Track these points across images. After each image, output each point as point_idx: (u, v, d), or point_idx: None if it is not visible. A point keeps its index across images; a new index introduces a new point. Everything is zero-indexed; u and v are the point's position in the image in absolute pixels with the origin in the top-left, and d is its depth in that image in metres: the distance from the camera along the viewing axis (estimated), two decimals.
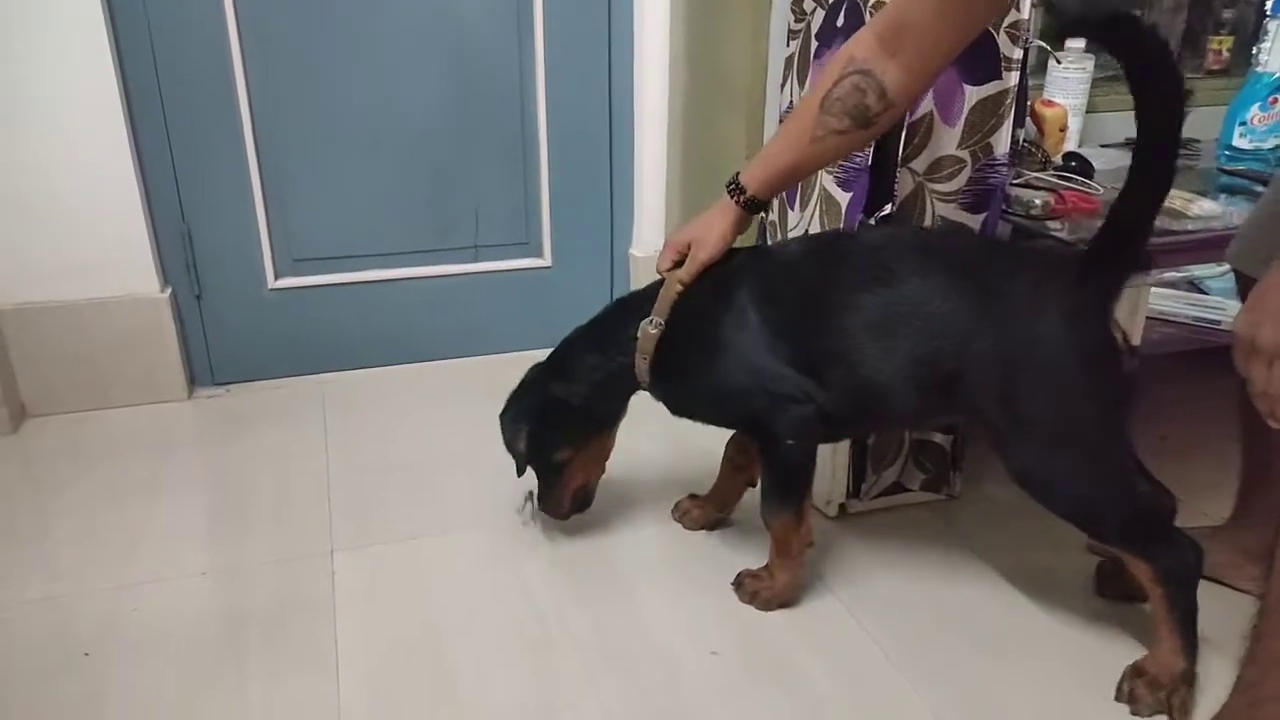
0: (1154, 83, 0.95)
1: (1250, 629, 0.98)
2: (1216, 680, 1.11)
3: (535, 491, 1.46)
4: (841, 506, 1.51)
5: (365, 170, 1.90)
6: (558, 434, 1.37)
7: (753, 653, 1.25)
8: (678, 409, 1.34)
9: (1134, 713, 1.13)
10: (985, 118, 1.34)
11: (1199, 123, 1.91)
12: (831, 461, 1.48)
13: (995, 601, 1.34)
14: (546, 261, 2.08)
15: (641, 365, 1.29)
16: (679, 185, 2.03)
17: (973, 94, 1.33)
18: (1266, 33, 1.71)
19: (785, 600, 1.32)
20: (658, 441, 1.76)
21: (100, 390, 1.82)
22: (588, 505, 1.47)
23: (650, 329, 1.27)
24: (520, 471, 1.41)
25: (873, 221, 1.36)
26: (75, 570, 1.38)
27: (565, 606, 1.33)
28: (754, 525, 1.48)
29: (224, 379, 1.94)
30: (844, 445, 1.46)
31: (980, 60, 1.31)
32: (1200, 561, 1.13)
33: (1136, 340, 1.36)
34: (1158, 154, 0.99)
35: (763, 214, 1.33)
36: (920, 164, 1.36)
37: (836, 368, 1.17)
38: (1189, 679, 1.13)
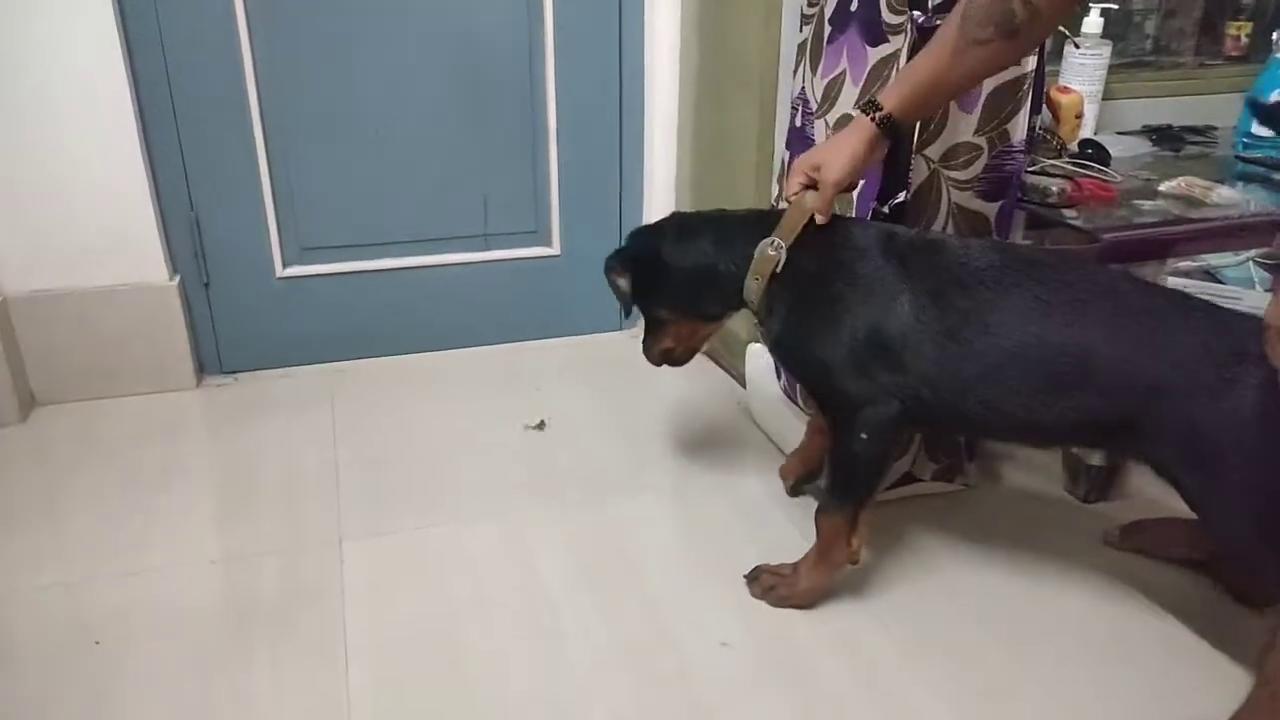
0: None
1: (1269, 625, 0.97)
2: (1241, 680, 1.10)
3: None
4: None
5: (373, 158, 1.89)
6: (655, 292, 1.34)
7: (764, 645, 1.24)
8: (773, 348, 1.30)
9: None
10: (1002, 104, 1.32)
11: (1217, 109, 1.89)
12: None
13: (1012, 593, 1.33)
14: (555, 250, 2.07)
15: (753, 285, 1.23)
16: (689, 173, 2.01)
17: (989, 81, 1.31)
18: None
19: (802, 604, 1.28)
20: (676, 424, 1.76)
21: (109, 379, 1.82)
22: (679, 364, 1.43)
23: (770, 250, 1.20)
24: (626, 313, 1.38)
25: (886, 210, 1.34)
26: (86, 558, 1.38)
27: (576, 595, 1.32)
28: (773, 520, 1.48)
29: (232, 368, 1.94)
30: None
31: None
32: None
33: None
34: None
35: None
36: (935, 151, 1.34)
37: (971, 396, 1.12)
38: None
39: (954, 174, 1.36)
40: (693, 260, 1.29)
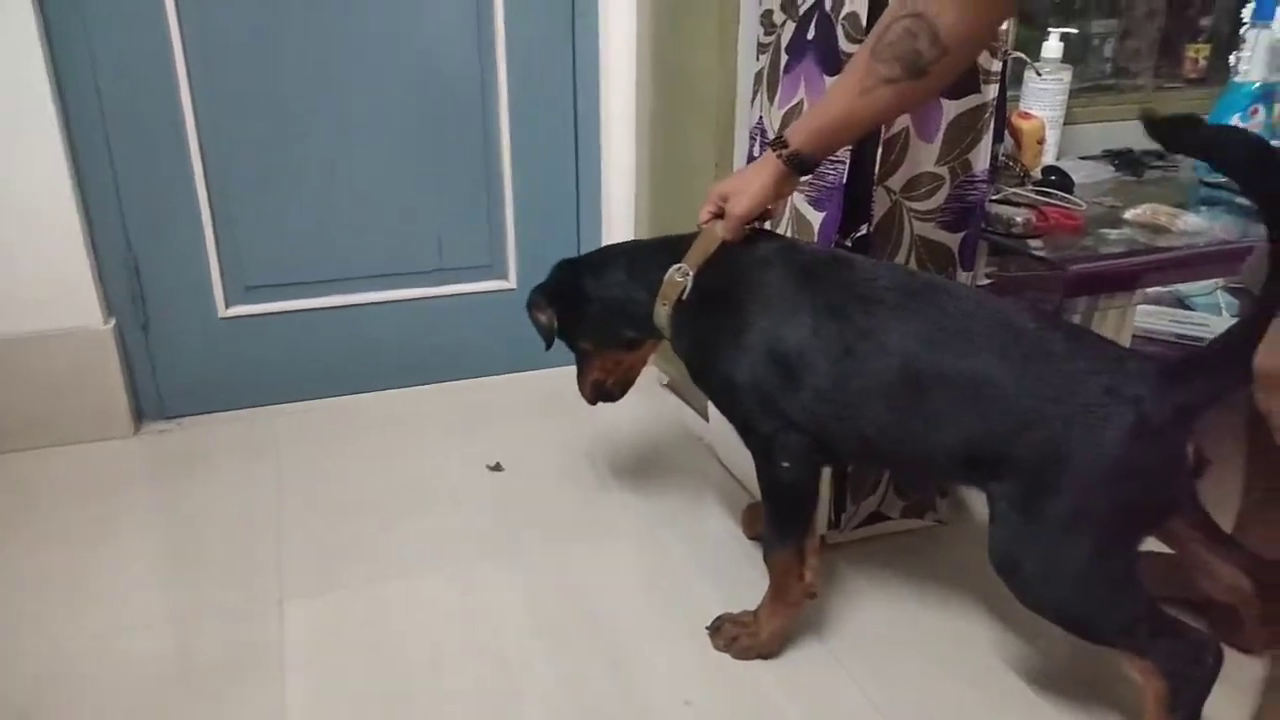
0: None
1: (1267, 678, 0.92)
2: None
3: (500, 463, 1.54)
4: (821, 539, 1.45)
5: (321, 193, 1.82)
6: (577, 324, 1.36)
7: (729, 701, 1.18)
8: (694, 377, 1.28)
9: None
10: (963, 133, 1.29)
11: None
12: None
13: (983, 634, 1.28)
14: (512, 284, 2.01)
15: (660, 311, 1.23)
16: (648, 204, 1.97)
17: (950, 108, 1.28)
18: (1244, 41, 1.67)
19: (766, 652, 1.23)
20: (638, 462, 1.70)
21: (41, 428, 1.73)
22: (613, 400, 1.45)
23: (677, 276, 1.21)
24: (547, 345, 1.39)
25: (849, 243, 1.30)
26: (14, 624, 1.30)
27: (534, 654, 1.25)
28: (737, 563, 1.42)
29: (173, 412, 1.85)
30: (823, 477, 1.40)
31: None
32: (1217, 665, 1.02)
33: None
34: None
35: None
36: (897, 181, 1.30)
37: (863, 417, 1.08)
38: None
39: (916, 205, 1.32)
40: (609, 291, 1.30)
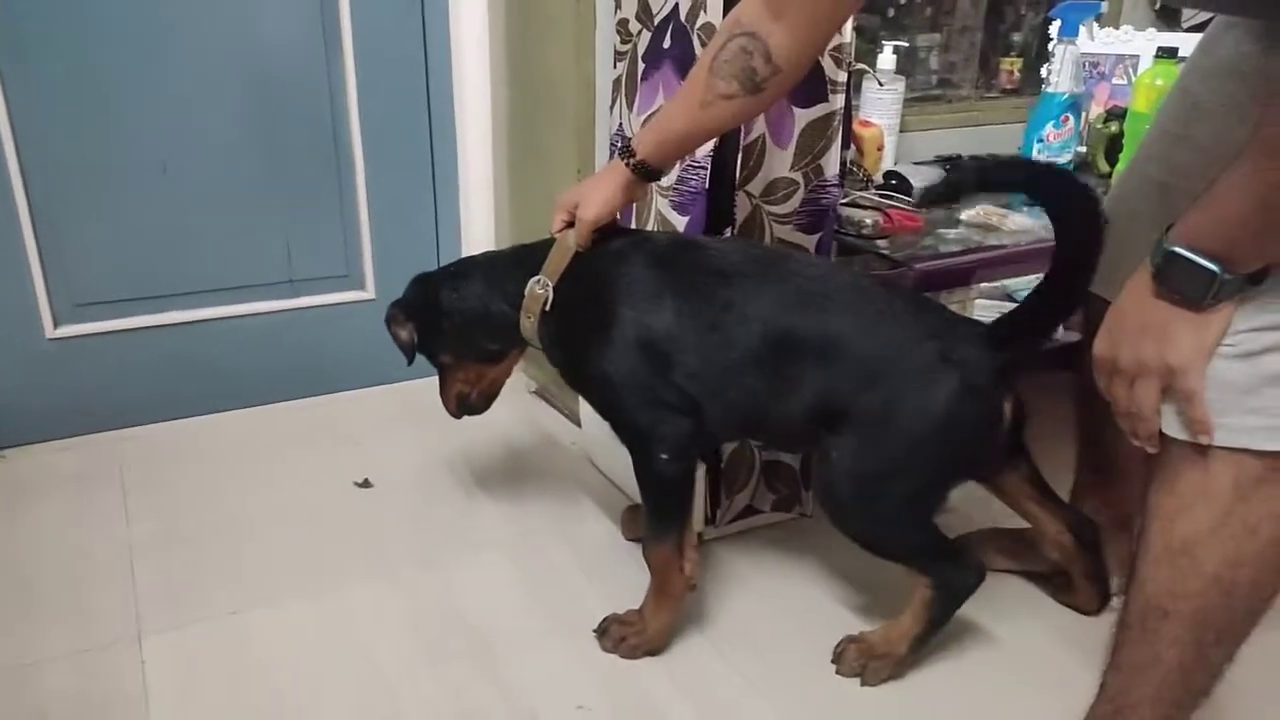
0: (1073, 215, 1.02)
1: (1111, 639, 1.01)
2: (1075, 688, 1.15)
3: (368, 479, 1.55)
4: (699, 535, 1.49)
5: (158, 201, 1.71)
6: (437, 338, 1.36)
7: (620, 701, 1.19)
8: (571, 382, 1.31)
9: (836, 671, 1.23)
10: (815, 139, 1.36)
11: (998, 140, 2.04)
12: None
13: (850, 615, 1.35)
14: (370, 294, 1.95)
15: (528, 324, 1.26)
16: (508, 208, 1.96)
17: (802, 116, 1.34)
18: (1053, 55, 1.83)
19: (654, 648, 1.26)
20: (511, 471, 1.69)
21: None
22: (478, 413, 1.45)
23: (537, 289, 1.23)
24: (409, 360, 1.39)
25: None
26: None
27: (416, 672, 1.23)
28: (619, 564, 1.44)
29: None
30: (698, 474, 1.44)
31: (807, 83, 1.32)
32: (976, 584, 1.20)
33: None
34: (1087, 257, 1.01)
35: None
36: (756, 186, 1.35)
37: (732, 386, 1.15)
38: (899, 664, 1.22)
39: (774, 209, 1.38)
40: (468, 304, 1.31)
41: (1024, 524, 1.31)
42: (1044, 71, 1.91)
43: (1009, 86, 2.13)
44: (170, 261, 1.76)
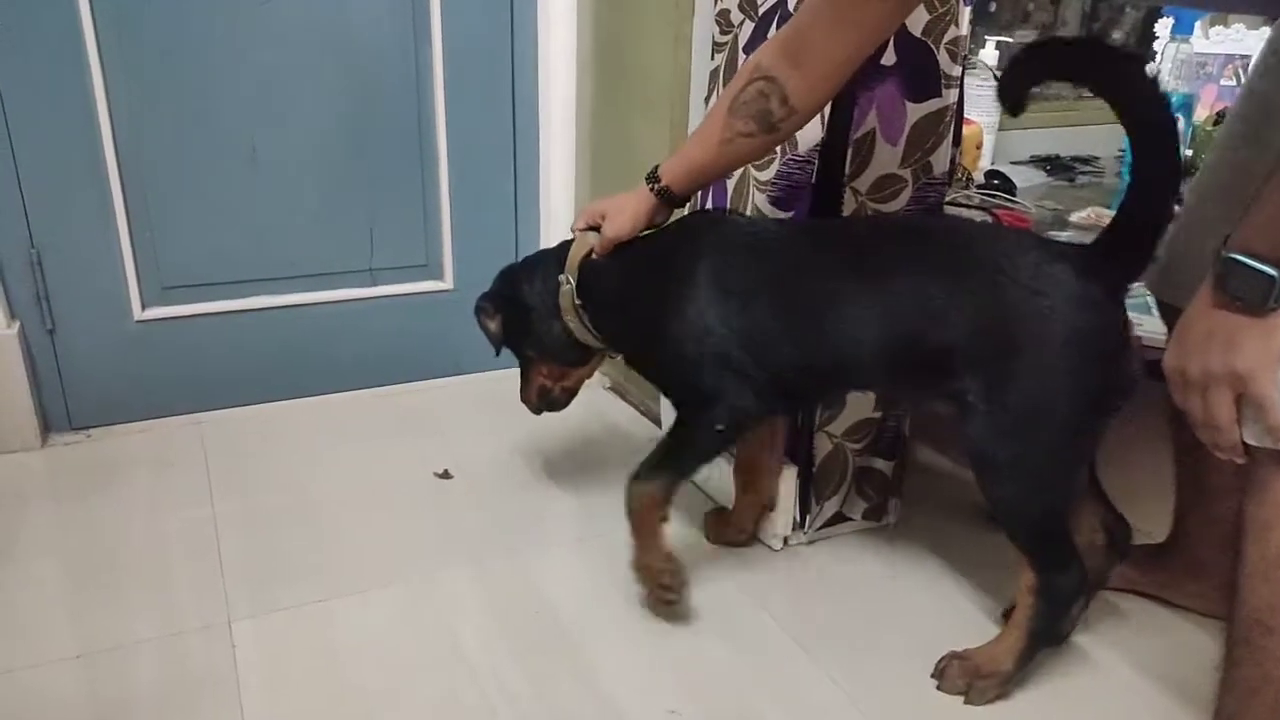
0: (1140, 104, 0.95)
1: (1222, 658, 0.97)
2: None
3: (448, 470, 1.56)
4: (784, 539, 1.45)
5: (246, 188, 1.72)
6: (519, 332, 1.37)
7: (713, 707, 1.16)
8: (630, 363, 1.33)
9: (938, 687, 1.18)
10: (925, 135, 1.31)
11: (1097, 139, 1.97)
12: (780, 495, 1.41)
13: (941, 623, 1.29)
14: (448, 284, 1.94)
15: (572, 323, 1.29)
16: (590, 199, 1.93)
17: (914, 111, 1.29)
18: (1156, 53, 1.76)
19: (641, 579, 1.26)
20: (587, 466, 1.67)
21: None
22: (559, 409, 1.45)
23: (565, 285, 1.28)
24: (497, 352, 1.41)
25: None
26: None
27: (503, 665, 1.20)
28: (702, 563, 1.40)
29: (83, 423, 1.72)
30: (789, 478, 1.40)
31: (922, 77, 1.28)
32: (1082, 591, 1.16)
33: None
34: (1160, 144, 0.96)
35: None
36: (863, 183, 1.31)
37: (806, 344, 1.14)
38: (1004, 681, 1.16)
39: (879, 206, 1.33)
40: (533, 301, 1.34)
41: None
42: (1149, 70, 1.84)
43: None
44: (255, 246, 1.77)
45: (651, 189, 1.23)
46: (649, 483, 1.22)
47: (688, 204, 1.29)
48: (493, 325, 1.39)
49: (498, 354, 1.41)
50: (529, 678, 1.19)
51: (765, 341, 1.15)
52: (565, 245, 1.34)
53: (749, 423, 1.22)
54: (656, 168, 1.24)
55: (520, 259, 1.43)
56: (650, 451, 1.25)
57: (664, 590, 1.24)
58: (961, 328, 1.04)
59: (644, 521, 1.23)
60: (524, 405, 1.45)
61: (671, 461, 1.24)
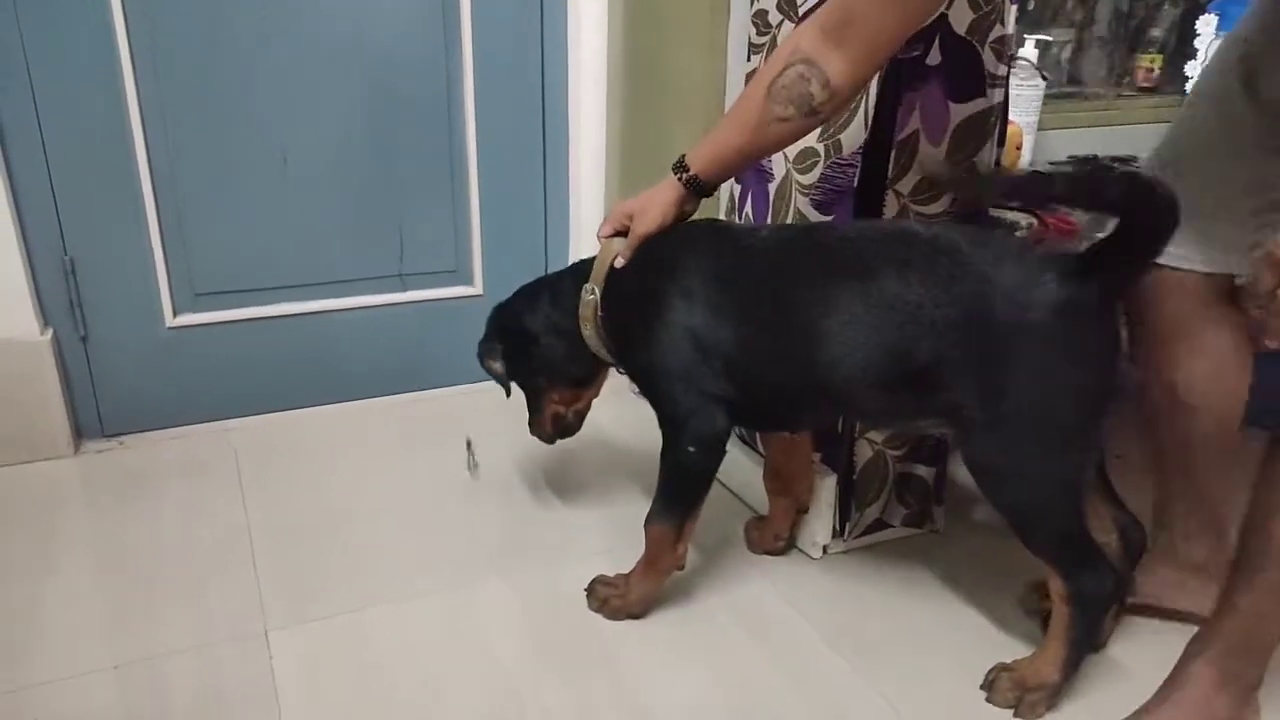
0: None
1: (1236, 568, 1.02)
2: None
3: (470, 441, 1.56)
4: (824, 548, 1.43)
5: (276, 194, 1.71)
6: (527, 361, 1.36)
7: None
8: (632, 379, 1.30)
9: (987, 699, 1.16)
10: (969, 136, 1.29)
11: (1132, 139, 1.93)
12: (819, 501, 1.39)
13: (984, 633, 1.27)
14: (478, 289, 1.93)
15: (589, 333, 1.27)
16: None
17: (958, 112, 1.27)
18: (1196, 51, 1.72)
19: (636, 613, 1.27)
20: (621, 474, 1.65)
21: None
22: (572, 433, 1.45)
23: (589, 296, 1.25)
24: (507, 393, 1.41)
25: None
26: None
27: (543, 680, 1.19)
28: (736, 570, 1.38)
29: (116, 430, 1.71)
30: (828, 485, 1.38)
31: (965, 76, 1.26)
32: (1117, 591, 1.15)
33: None
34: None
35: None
36: (905, 185, 1.29)
37: (785, 361, 1.12)
38: (1053, 692, 1.14)
39: (922, 209, 1.31)
40: (542, 324, 1.33)
41: None
42: (1188, 69, 1.81)
43: (1146, 84, 2.02)
44: (287, 253, 1.76)
45: (680, 178, 1.20)
46: (664, 523, 1.22)
47: (715, 192, 1.25)
48: (497, 365, 1.39)
49: (508, 395, 1.42)
50: (566, 690, 1.17)
51: (739, 359, 1.14)
52: (572, 267, 1.35)
53: (721, 445, 1.20)
54: (684, 156, 1.21)
55: (511, 295, 1.40)
56: (657, 490, 1.25)
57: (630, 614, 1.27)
58: (950, 338, 1.02)
59: (657, 556, 1.24)
60: (537, 439, 1.45)
61: (668, 496, 1.23)
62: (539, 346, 1.34)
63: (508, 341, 1.37)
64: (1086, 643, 1.15)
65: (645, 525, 1.24)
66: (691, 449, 1.18)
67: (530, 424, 1.44)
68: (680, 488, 1.23)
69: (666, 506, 1.23)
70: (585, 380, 1.39)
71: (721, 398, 1.16)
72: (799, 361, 1.11)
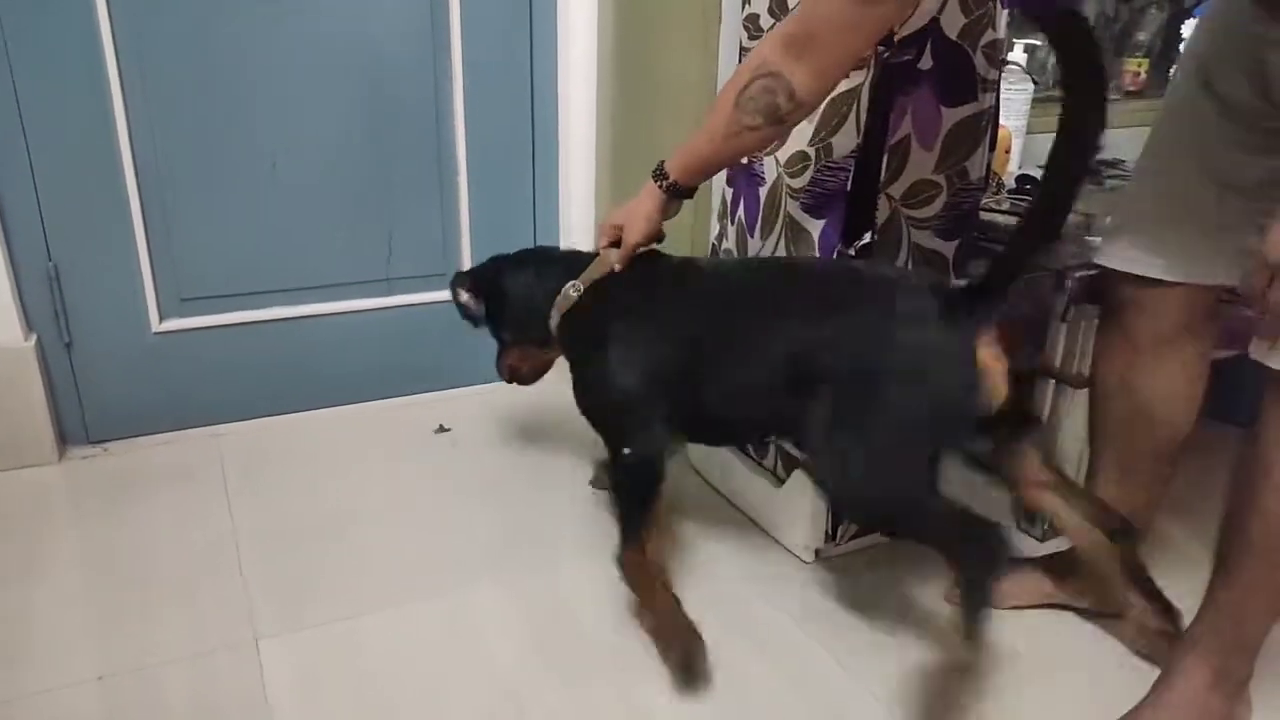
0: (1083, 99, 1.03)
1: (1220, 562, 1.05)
2: None
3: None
4: (816, 552, 1.43)
5: (263, 198, 1.70)
6: (498, 313, 1.43)
7: None
8: (572, 377, 1.33)
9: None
10: (961, 140, 1.29)
11: (1119, 143, 1.94)
12: (812, 506, 1.39)
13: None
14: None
15: (554, 317, 1.33)
16: (610, 208, 1.91)
17: (949, 116, 1.27)
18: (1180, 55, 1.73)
19: (675, 651, 1.21)
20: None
21: None
22: (526, 383, 1.51)
23: (571, 291, 1.31)
24: (474, 324, 1.46)
25: (852, 252, 1.28)
26: None
27: (542, 685, 1.18)
28: (728, 578, 1.38)
29: (101, 436, 1.69)
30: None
31: (957, 81, 1.26)
32: (1000, 550, 1.11)
33: None
34: (1058, 201, 1.03)
35: (689, 200, 1.29)
36: (897, 189, 1.29)
37: (698, 383, 1.19)
38: (978, 674, 1.11)
39: (913, 213, 1.31)
40: (518, 289, 1.39)
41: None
42: (1174, 73, 1.82)
43: (1133, 88, 2.03)
44: (274, 258, 1.74)
45: (660, 185, 1.24)
46: (627, 549, 1.25)
47: (695, 193, 1.28)
48: (464, 296, 1.44)
49: (475, 326, 1.46)
50: (564, 696, 1.16)
51: (669, 384, 1.20)
52: (574, 253, 1.39)
53: (648, 464, 1.24)
54: (662, 164, 1.25)
55: (515, 251, 1.44)
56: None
57: (682, 655, 1.21)
58: (834, 353, 1.09)
59: (640, 588, 1.26)
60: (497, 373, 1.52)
61: (621, 514, 1.26)
62: (511, 306, 1.41)
63: (485, 286, 1.43)
64: (982, 605, 1.09)
65: (616, 563, 1.25)
66: (628, 463, 1.23)
67: (496, 359, 1.51)
68: (626, 505, 1.27)
69: (621, 531, 1.26)
70: (543, 348, 1.44)
71: (652, 418, 1.22)
72: (713, 385, 1.18)
